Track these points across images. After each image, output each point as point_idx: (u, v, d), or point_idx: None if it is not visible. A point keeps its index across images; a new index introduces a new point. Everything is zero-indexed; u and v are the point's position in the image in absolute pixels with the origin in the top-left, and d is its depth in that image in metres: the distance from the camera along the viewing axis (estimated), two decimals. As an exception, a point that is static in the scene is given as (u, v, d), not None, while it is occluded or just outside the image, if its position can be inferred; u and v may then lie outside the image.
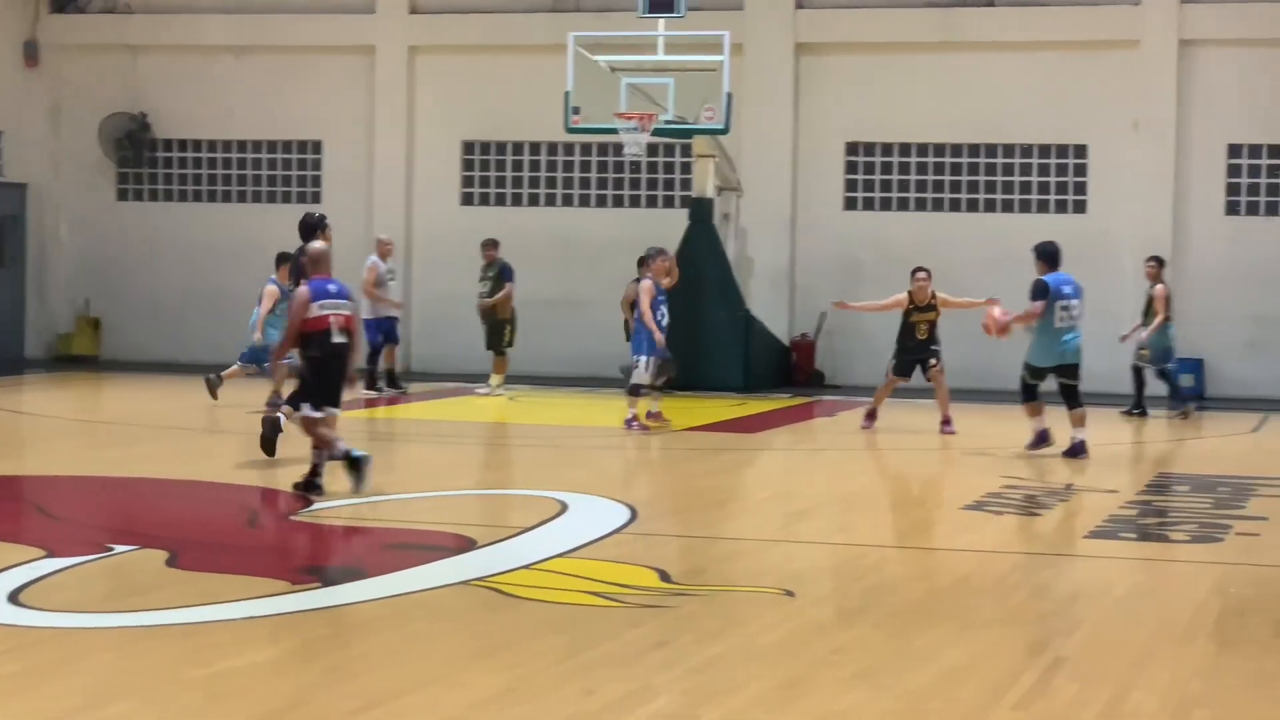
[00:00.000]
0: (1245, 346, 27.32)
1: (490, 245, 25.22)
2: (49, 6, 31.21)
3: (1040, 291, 18.41)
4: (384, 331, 24.68)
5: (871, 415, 20.93)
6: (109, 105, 30.84)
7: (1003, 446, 19.02)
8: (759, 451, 19.87)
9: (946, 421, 20.71)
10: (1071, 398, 18.54)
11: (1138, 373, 23.67)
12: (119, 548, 11.68)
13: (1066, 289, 18.52)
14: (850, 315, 28.17)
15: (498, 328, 24.94)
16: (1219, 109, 27.22)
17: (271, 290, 21.91)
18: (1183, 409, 23.46)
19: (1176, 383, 23.81)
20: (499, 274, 24.93)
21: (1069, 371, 18.53)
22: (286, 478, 14.90)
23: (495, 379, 24.91)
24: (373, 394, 24.09)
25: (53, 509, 14.12)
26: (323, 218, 18.73)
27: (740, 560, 12.22)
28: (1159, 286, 23.45)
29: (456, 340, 28.72)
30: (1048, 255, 18.86)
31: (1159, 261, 23.93)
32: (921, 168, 28.33)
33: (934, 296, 21.37)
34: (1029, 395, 18.55)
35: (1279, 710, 8.34)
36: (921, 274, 21.27)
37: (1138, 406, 23.43)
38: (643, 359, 20.54)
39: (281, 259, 21.91)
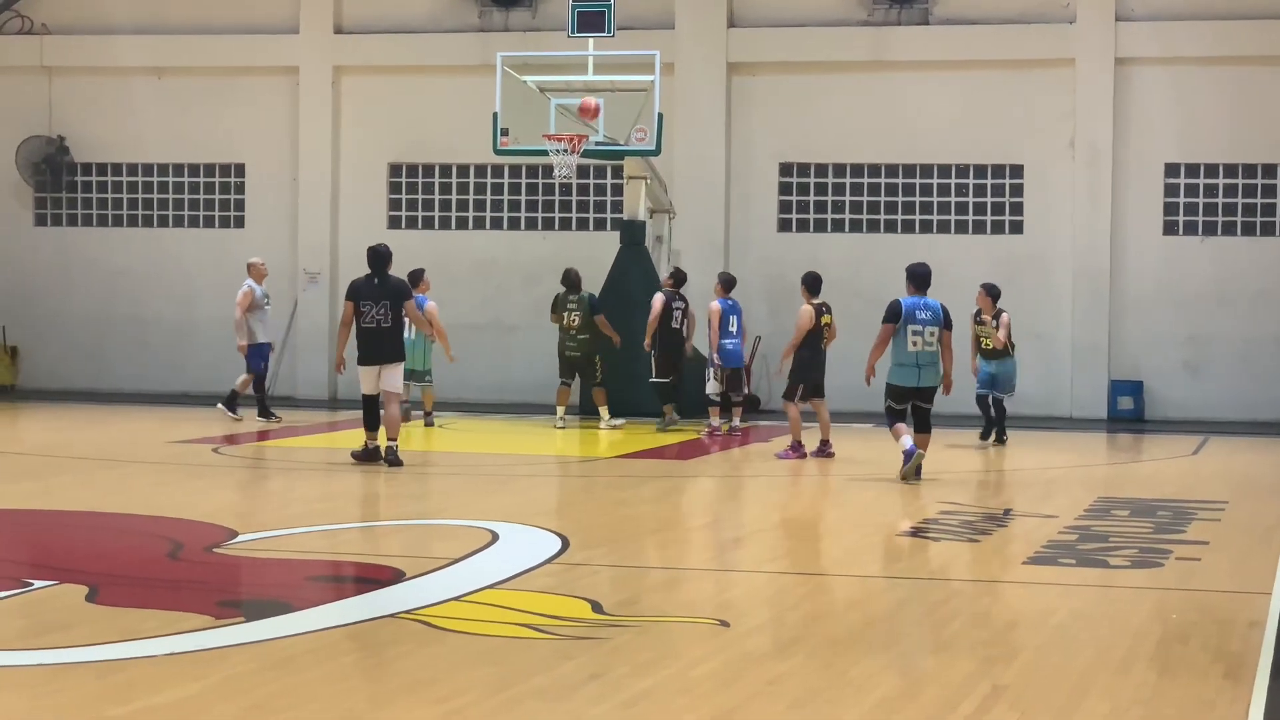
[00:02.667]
0: (1184, 368, 27.35)
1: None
2: (-37, 28, 30.83)
3: (891, 315, 18.51)
4: (264, 358, 24.46)
5: (802, 446, 20.81)
6: (25, 129, 30.51)
7: (941, 472, 18.91)
8: (692, 479, 19.70)
9: (827, 443, 20.99)
10: (922, 421, 18.49)
11: (984, 400, 23.00)
12: (37, 583, 11.42)
13: (921, 314, 18.47)
14: (786, 338, 28.13)
15: (591, 361, 24.49)
16: (1155, 128, 27.27)
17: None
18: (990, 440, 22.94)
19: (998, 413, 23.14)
20: (590, 306, 24.47)
21: (924, 395, 18.48)
22: (206, 510, 14.63)
23: (606, 410, 24.35)
24: (269, 422, 24.14)
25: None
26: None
27: (674, 590, 12.07)
28: (1004, 315, 22.74)
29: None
30: (915, 277, 18.91)
31: (991, 290, 23.14)
32: (856, 188, 28.28)
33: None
34: (895, 418, 18.34)
35: (1223, 740, 8.22)
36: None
37: (998, 434, 22.87)
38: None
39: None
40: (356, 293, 18.92)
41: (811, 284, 21.47)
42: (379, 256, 19.16)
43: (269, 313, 24.72)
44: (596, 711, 8.32)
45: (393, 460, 18.61)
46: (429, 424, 24.17)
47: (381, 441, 18.80)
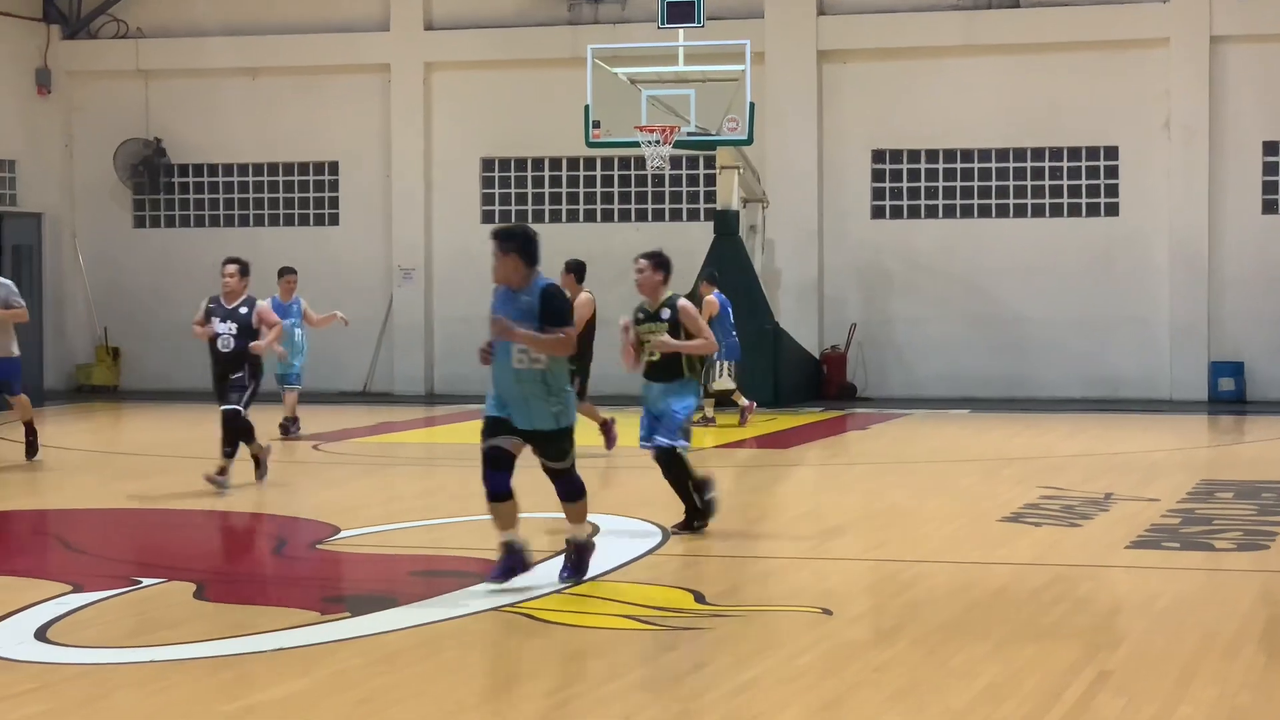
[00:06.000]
0: (1287, 348, 27.00)
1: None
2: (60, 33, 31.14)
3: None
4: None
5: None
6: (123, 132, 30.81)
7: (1041, 456, 18.81)
8: (791, 467, 19.68)
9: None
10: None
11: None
12: (146, 581, 11.55)
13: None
14: (881, 325, 28.10)
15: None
16: (1252, 106, 27.00)
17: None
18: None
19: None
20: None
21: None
22: (309, 506, 14.73)
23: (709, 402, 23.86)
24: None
25: (78, 543, 13.99)
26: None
27: (775, 579, 12.08)
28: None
29: (469, 364, 28.62)
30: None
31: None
32: (949, 174, 28.16)
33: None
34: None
35: (1334, 723, 8.15)
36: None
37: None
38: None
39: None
40: None
41: (578, 270, 20.06)
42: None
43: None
44: (702, 702, 8.34)
45: None
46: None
47: None
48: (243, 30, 30.52)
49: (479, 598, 10.96)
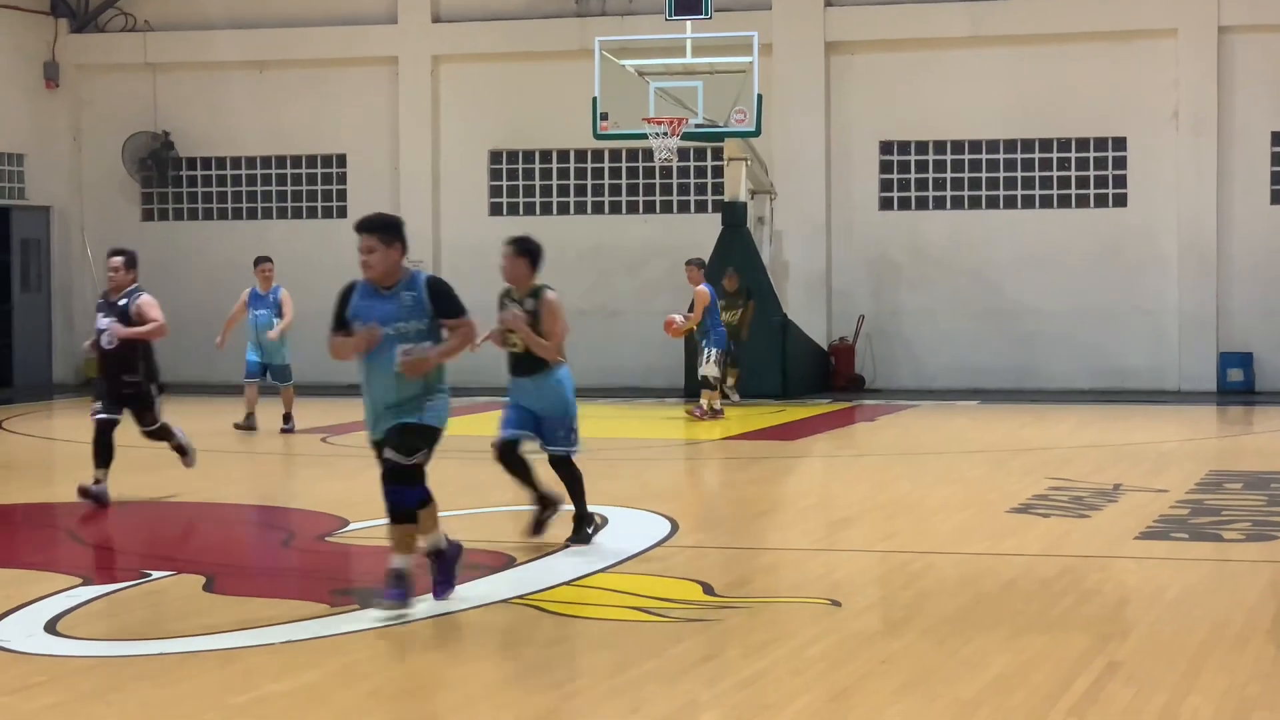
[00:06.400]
0: (1296, 339, 26.97)
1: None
2: (68, 27, 31.17)
3: None
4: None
5: None
6: (131, 125, 30.83)
7: (1047, 447, 18.80)
8: (799, 459, 19.69)
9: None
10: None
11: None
12: (155, 573, 11.56)
13: None
14: (890, 316, 28.11)
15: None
16: (1261, 97, 26.96)
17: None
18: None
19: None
20: (748, 294, 24.76)
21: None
22: (317, 499, 14.73)
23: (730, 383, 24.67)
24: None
25: (87, 536, 14.01)
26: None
27: (784, 571, 12.09)
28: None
29: (488, 352, 28.56)
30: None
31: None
32: (957, 165, 28.14)
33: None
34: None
35: (1344, 713, 8.14)
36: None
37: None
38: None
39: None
40: None
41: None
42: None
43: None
44: (711, 693, 8.35)
45: None
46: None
47: None
48: (250, 23, 30.54)
49: (487, 589, 10.96)
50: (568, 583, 11.22)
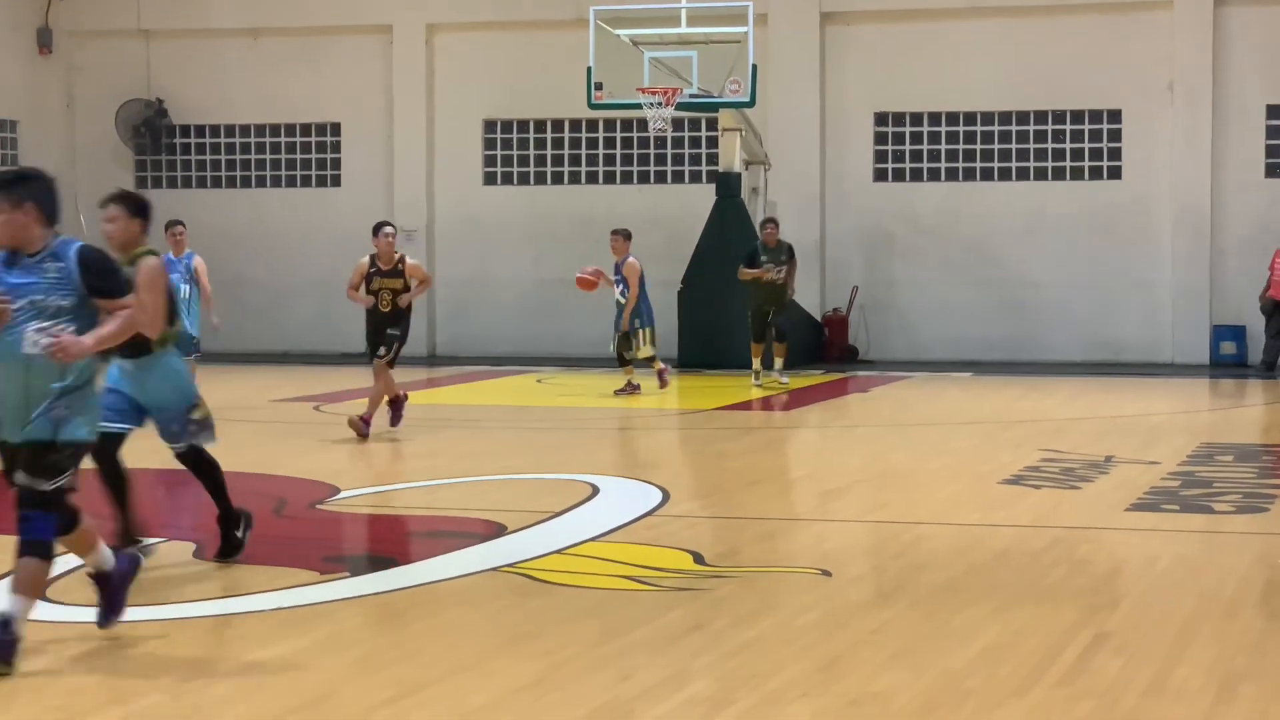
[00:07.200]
0: (1288, 312, 26.93)
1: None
2: (60, -8, 31.05)
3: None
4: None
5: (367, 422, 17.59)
6: (124, 92, 30.73)
7: (1040, 419, 18.81)
8: (792, 430, 19.69)
9: (366, 421, 17.55)
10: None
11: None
12: (146, 540, 11.53)
13: None
14: (883, 287, 28.09)
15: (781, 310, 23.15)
16: (1256, 69, 26.91)
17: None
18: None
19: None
20: (790, 254, 23.15)
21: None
22: (309, 467, 14.71)
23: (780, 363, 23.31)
24: None
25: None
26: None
27: (775, 541, 12.08)
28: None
29: (481, 322, 28.60)
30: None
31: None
32: (952, 137, 28.10)
33: (402, 260, 17.67)
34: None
35: (1331, 685, 8.15)
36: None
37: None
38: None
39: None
40: None
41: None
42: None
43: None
44: (700, 663, 8.35)
45: None
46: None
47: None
48: (245, -10, 30.44)
49: (477, 558, 10.97)
50: (558, 551, 11.21)
